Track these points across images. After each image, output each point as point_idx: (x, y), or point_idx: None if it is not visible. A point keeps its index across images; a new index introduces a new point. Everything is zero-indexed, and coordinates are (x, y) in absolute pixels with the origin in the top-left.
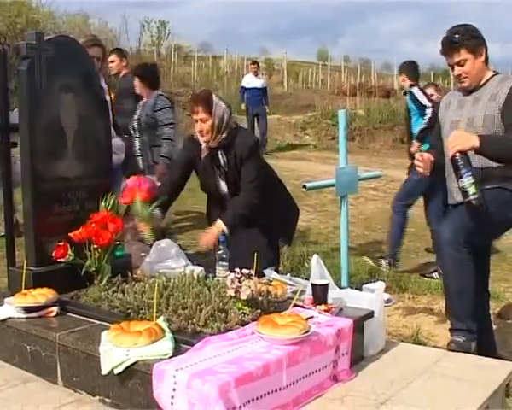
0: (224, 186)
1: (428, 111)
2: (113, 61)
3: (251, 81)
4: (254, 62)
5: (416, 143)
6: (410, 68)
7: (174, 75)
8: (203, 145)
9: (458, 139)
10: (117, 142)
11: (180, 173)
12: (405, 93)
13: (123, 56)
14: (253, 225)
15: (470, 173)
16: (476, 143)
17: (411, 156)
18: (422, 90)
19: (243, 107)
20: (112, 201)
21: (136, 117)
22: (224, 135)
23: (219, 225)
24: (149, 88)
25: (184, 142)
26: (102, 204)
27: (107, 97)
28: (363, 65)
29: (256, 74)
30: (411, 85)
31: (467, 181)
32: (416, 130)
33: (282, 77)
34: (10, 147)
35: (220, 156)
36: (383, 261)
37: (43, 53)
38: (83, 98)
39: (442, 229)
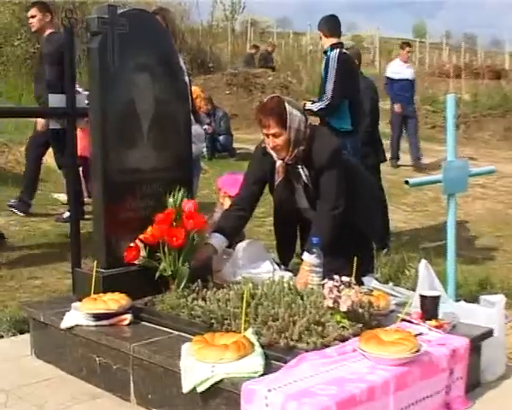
0: (304, 202)
1: None
2: (33, 16)
3: (400, 70)
4: (407, 44)
5: None
6: None
7: None
8: (278, 163)
9: None
10: (196, 129)
11: (257, 190)
12: None
13: (46, 10)
14: (344, 227)
15: None
16: None
17: None
18: None
19: (397, 108)
20: (181, 195)
21: None
22: (301, 147)
23: (308, 262)
24: None
25: (256, 153)
26: (170, 200)
27: (187, 78)
28: (468, 42)
29: (406, 61)
30: None
31: None
32: None
33: (373, 56)
34: (76, 132)
35: (301, 171)
36: None
37: (115, 28)
38: (160, 79)
39: None
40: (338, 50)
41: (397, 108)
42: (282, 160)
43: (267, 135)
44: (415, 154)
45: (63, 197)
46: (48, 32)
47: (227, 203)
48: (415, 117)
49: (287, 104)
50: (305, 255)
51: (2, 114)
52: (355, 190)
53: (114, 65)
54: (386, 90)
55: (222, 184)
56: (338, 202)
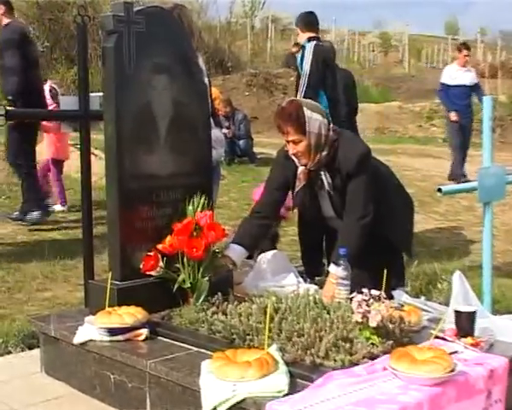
0: (329, 209)
1: None
2: None
3: (457, 76)
4: (465, 46)
5: None
6: None
7: (271, 52)
8: (300, 168)
9: None
10: (216, 133)
11: (280, 196)
12: None
13: (1, 3)
14: (373, 237)
15: None
16: None
17: None
18: None
19: (453, 116)
20: (201, 203)
21: None
22: (324, 153)
23: (335, 275)
24: None
25: (278, 157)
26: (190, 208)
27: (206, 79)
28: (504, 39)
29: (464, 65)
30: None
31: None
32: None
33: (402, 55)
34: (89, 136)
35: (324, 178)
36: None
37: (132, 27)
38: (178, 80)
39: None
40: (314, 42)
41: (452, 116)
42: (305, 166)
43: (287, 141)
44: (457, 169)
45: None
46: (5, 22)
47: None
48: (469, 128)
49: (305, 108)
50: (332, 267)
51: (13, 116)
52: (385, 197)
53: (130, 65)
54: (441, 97)
55: (257, 195)
56: (366, 210)
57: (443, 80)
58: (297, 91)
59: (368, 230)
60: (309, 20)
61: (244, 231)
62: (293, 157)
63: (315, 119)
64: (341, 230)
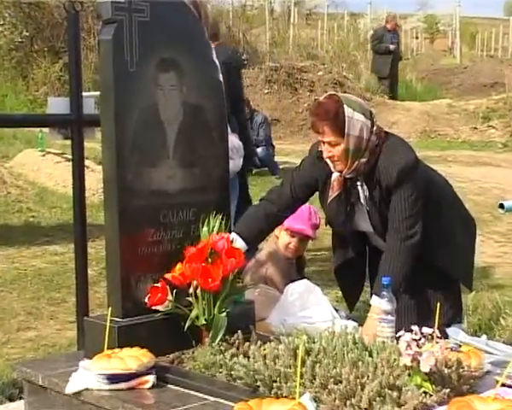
0: (367, 225)
1: None
2: None
3: None
4: None
5: None
6: None
7: (294, 42)
8: (335, 175)
9: None
10: (233, 141)
11: (302, 195)
12: None
13: None
14: (424, 263)
15: None
16: None
17: None
18: None
19: None
20: (217, 224)
21: None
22: (363, 160)
23: (378, 308)
24: None
25: (312, 155)
26: (204, 230)
27: (221, 76)
28: None
29: None
30: None
31: None
32: None
33: (452, 41)
34: (83, 145)
35: (360, 189)
36: None
37: (134, 15)
38: (190, 79)
39: None
40: None
41: None
42: (340, 173)
43: (322, 142)
44: None
45: None
46: None
47: (283, 239)
48: None
49: (346, 107)
50: (374, 300)
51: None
52: (440, 216)
53: (132, 61)
54: None
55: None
56: (412, 229)
57: None
58: None
59: (415, 253)
60: None
61: (249, 220)
62: (328, 160)
63: (356, 119)
64: (384, 254)
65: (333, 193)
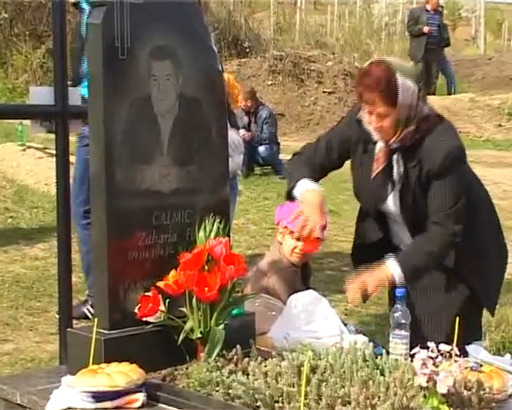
0: (392, 203)
1: None
2: None
3: None
4: None
5: None
6: None
7: (301, 28)
8: (379, 145)
9: None
10: (232, 136)
11: (337, 154)
12: None
13: None
14: (445, 273)
15: None
16: None
17: None
18: None
19: None
20: (215, 227)
21: None
22: (411, 128)
23: (389, 271)
24: None
25: (350, 117)
26: (201, 234)
27: (220, 66)
28: None
29: None
30: None
31: None
32: None
33: (476, 30)
34: (68, 140)
35: (395, 164)
36: None
37: None
38: (187, 69)
39: None
40: None
41: None
42: (386, 143)
43: (370, 112)
44: None
45: None
46: None
47: (288, 243)
48: None
49: (398, 75)
50: (392, 262)
51: None
52: (474, 232)
53: (124, 48)
54: None
55: (281, 216)
56: (456, 226)
57: None
58: None
59: (445, 256)
60: None
61: (299, 165)
62: (374, 131)
63: (408, 87)
64: (420, 236)
65: (378, 165)
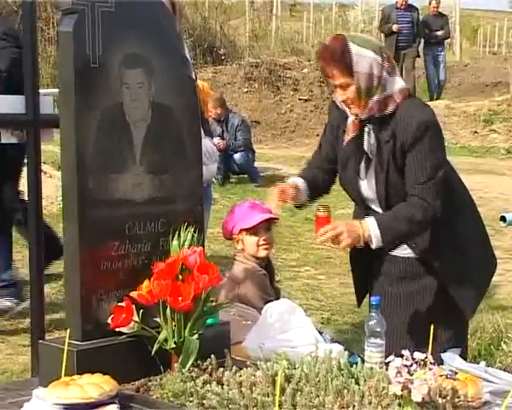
0: (365, 187)
1: None
2: None
3: None
4: None
5: None
6: None
7: (277, 35)
8: (350, 119)
9: None
10: (206, 144)
11: (331, 152)
12: None
13: None
14: (422, 275)
15: None
16: None
17: None
18: None
19: None
20: (189, 237)
21: None
22: (376, 97)
23: (367, 230)
24: None
25: (330, 109)
26: (174, 243)
27: (193, 74)
28: None
29: None
30: None
31: None
32: None
33: (452, 37)
34: (40, 149)
35: (366, 135)
36: None
37: (97, 5)
38: (160, 77)
39: None
40: None
41: None
42: (356, 116)
43: (335, 86)
44: None
45: None
46: None
47: (250, 246)
48: None
49: (352, 44)
50: (371, 220)
51: None
52: (456, 224)
53: (95, 56)
54: None
55: (234, 220)
56: (436, 201)
57: None
58: None
59: (426, 229)
60: None
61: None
62: (343, 105)
63: (364, 55)
64: (395, 207)
65: (348, 136)
